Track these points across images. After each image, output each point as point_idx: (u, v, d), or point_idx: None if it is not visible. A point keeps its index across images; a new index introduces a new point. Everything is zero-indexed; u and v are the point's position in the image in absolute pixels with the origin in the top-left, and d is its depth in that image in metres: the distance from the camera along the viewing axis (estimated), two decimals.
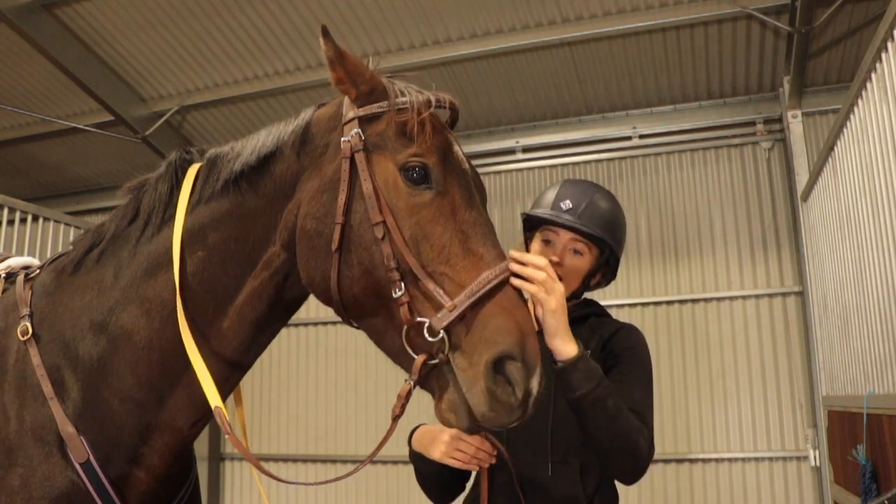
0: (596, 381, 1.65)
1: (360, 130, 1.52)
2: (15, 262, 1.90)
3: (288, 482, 1.61)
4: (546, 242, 2.03)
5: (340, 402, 6.99)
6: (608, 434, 1.68)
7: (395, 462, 6.54)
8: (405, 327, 1.41)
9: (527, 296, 1.55)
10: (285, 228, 1.57)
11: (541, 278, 1.57)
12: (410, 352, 1.42)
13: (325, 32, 1.50)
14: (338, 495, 6.88)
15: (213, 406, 1.51)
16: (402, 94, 1.54)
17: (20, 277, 1.76)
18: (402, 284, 1.41)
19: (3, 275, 1.87)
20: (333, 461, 6.89)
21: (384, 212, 1.45)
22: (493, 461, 1.81)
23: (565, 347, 1.63)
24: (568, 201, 2.03)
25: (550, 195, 2.09)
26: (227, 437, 1.54)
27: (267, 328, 1.66)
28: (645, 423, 1.79)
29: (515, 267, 1.50)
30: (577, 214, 2.00)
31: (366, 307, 1.49)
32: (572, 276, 2.01)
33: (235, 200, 1.61)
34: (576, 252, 2.02)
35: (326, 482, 1.63)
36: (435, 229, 1.45)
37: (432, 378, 1.43)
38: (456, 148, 1.57)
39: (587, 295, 2.16)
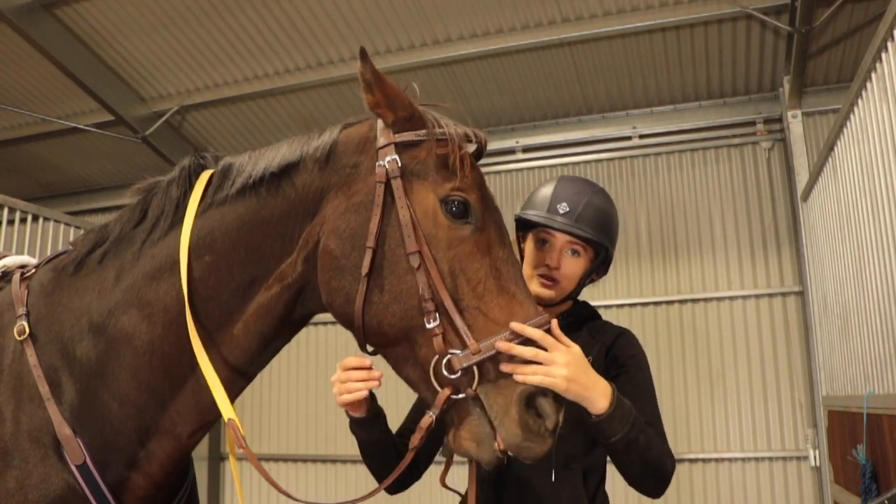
0: (629, 423, 1.61)
1: (397, 157, 1.51)
2: (11, 260, 1.88)
3: (298, 500, 1.58)
4: (541, 243, 2.02)
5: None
6: (640, 466, 1.69)
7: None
8: (435, 358, 1.42)
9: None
10: (307, 244, 1.55)
11: (543, 358, 1.44)
12: (436, 384, 1.43)
13: (364, 55, 1.49)
14: (337, 495, 6.87)
15: (226, 419, 1.51)
16: (440, 125, 1.55)
17: (16, 276, 1.73)
18: (437, 315, 1.42)
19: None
20: (333, 461, 6.89)
21: (420, 241, 1.45)
22: (378, 384, 1.69)
23: (598, 403, 1.55)
24: (565, 204, 1.99)
25: (545, 195, 2.05)
26: (241, 450, 1.53)
27: (273, 343, 1.65)
28: (663, 438, 1.81)
29: (516, 351, 1.43)
30: (574, 217, 1.98)
31: (389, 334, 1.49)
32: (569, 278, 2.00)
33: (252, 206, 1.58)
34: (573, 253, 2.01)
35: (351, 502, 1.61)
36: (472, 264, 1.47)
37: (452, 410, 1.45)
38: (486, 184, 1.60)
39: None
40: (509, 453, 1.43)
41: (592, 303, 2.22)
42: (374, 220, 1.48)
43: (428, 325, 1.42)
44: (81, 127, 6.87)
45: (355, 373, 1.67)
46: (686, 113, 6.32)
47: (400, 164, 1.51)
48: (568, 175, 2.21)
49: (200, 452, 7.06)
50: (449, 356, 1.40)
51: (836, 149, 4.20)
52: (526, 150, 6.75)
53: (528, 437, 1.38)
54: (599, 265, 2.07)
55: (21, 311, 1.63)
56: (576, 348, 1.52)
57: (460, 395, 1.41)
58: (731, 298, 6.03)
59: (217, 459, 7.40)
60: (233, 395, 1.62)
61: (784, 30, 5.23)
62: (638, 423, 1.64)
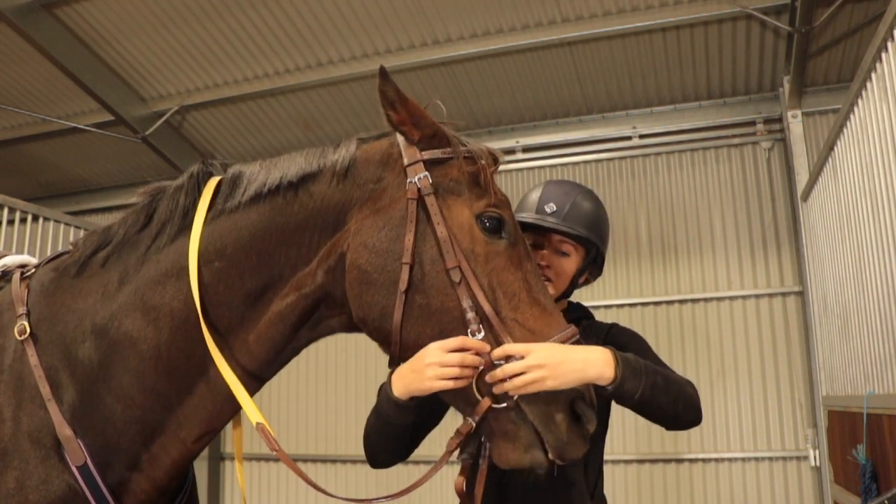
0: (643, 373, 1.61)
1: (427, 174, 1.55)
2: (10, 260, 1.87)
3: (325, 492, 1.62)
4: (533, 246, 2.04)
5: (341, 402, 6.98)
6: (671, 405, 1.70)
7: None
8: (479, 369, 1.45)
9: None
10: (329, 256, 1.57)
11: (520, 367, 1.42)
12: (476, 394, 1.47)
13: (385, 73, 1.53)
14: (337, 494, 6.86)
15: (254, 423, 1.52)
16: (463, 143, 1.62)
17: (16, 275, 1.73)
18: (482, 327, 1.47)
19: None
20: (333, 461, 6.89)
21: (460, 257, 1.49)
22: (481, 366, 1.49)
23: (604, 374, 1.53)
24: (552, 203, 2.03)
25: (533, 198, 2.09)
26: (274, 452, 1.54)
27: (283, 350, 1.64)
28: (672, 372, 1.83)
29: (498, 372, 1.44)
30: (561, 216, 2.01)
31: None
32: (561, 277, 2.04)
33: (265, 214, 1.59)
34: (563, 254, 2.04)
35: (364, 501, 1.63)
36: (507, 277, 1.53)
37: (492, 423, 1.49)
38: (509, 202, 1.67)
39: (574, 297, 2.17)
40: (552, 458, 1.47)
41: (593, 303, 2.24)
42: (409, 235, 1.51)
43: (474, 337, 1.47)
44: (81, 127, 6.87)
45: (470, 357, 1.45)
46: (686, 113, 6.32)
47: (431, 181, 1.55)
48: (555, 179, 2.24)
49: (201, 452, 7.05)
50: (495, 365, 1.45)
51: (836, 149, 4.20)
52: (526, 150, 6.75)
53: (571, 439, 1.46)
54: (591, 264, 2.10)
55: (21, 310, 1.62)
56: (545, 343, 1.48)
57: (502, 405, 1.46)
58: (731, 298, 6.03)
59: (217, 459, 7.39)
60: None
61: (784, 30, 5.23)
62: (648, 368, 1.65)
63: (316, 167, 1.61)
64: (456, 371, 1.44)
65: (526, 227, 2.03)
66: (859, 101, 3.59)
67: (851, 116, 3.77)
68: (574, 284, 2.09)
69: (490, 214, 1.56)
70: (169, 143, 6.98)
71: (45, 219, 5.94)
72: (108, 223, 1.74)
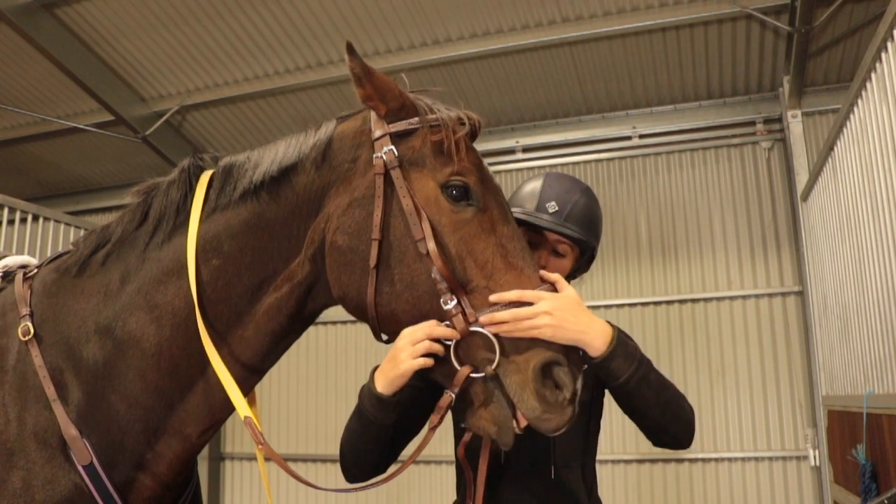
0: (636, 360, 1.60)
1: (393, 147, 1.53)
2: (12, 260, 1.88)
3: (314, 486, 1.61)
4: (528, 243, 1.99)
5: (341, 402, 6.99)
6: (658, 408, 1.67)
7: (394, 462, 6.52)
8: (456, 338, 1.44)
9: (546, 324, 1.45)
10: (312, 242, 1.57)
11: (525, 313, 1.43)
12: (455, 364, 1.45)
13: (351, 49, 1.51)
14: (337, 493, 6.88)
15: (242, 416, 1.52)
16: (432, 111, 1.58)
17: (18, 276, 1.73)
18: (453, 296, 1.44)
19: (0, 273, 1.85)
20: (334, 461, 6.89)
21: (426, 228, 1.47)
22: (454, 337, 1.47)
23: (595, 343, 1.52)
24: (553, 203, 1.98)
25: (532, 192, 2.03)
26: (260, 446, 1.55)
27: (284, 340, 1.66)
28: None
29: (508, 318, 1.42)
30: (563, 217, 1.96)
31: (403, 321, 1.51)
32: None
33: (254, 210, 1.60)
34: (559, 254, 1.99)
35: (354, 489, 1.66)
36: (478, 245, 1.50)
37: (470, 390, 1.47)
38: (485, 165, 1.62)
39: None
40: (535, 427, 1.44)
41: (593, 303, 2.23)
42: (378, 212, 1.50)
43: (446, 307, 1.44)
44: (81, 127, 6.87)
45: (438, 329, 1.45)
46: (686, 113, 6.32)
47: (397, 154, 1.53)
48: (553, 172, 2.18)
49: (201, 452, 7.05)
50: (471, 332, 1.43)
51: (835, 149, 4.20)
52: (526, 150, 6.76)
53: (547, 409, 1.40)
54: (584, 263, 2.07)
55: (25, 311, 1.63)
56: (568, 292, 1.51)
57: (479, 374, 1.44)
58: (731, 298, 6.03)
59: (217, 459, 7.40)
60: (245, 391, 1.63)
61: (784, 30, 5.23)
62: (646, 360, 1.63)
63: (295, 157, 1.60)
64: (426, 345, 1.45)
65: (522, 224, 1.99)
66: (859, 101, 3.59)
67: (851, 116, 3.77)
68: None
69: (454, 183, 1.53)
70: (169, 143, 6.98)
71: (45, 219, 5.94)
72: (106, 222, 1.75)
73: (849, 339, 4.18)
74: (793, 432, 5.72)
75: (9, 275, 1.82)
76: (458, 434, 1.81)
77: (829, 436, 4.91)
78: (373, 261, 1.48)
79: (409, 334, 1.47)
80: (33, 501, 1.50)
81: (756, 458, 5.77)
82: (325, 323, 7.16)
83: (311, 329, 6.46)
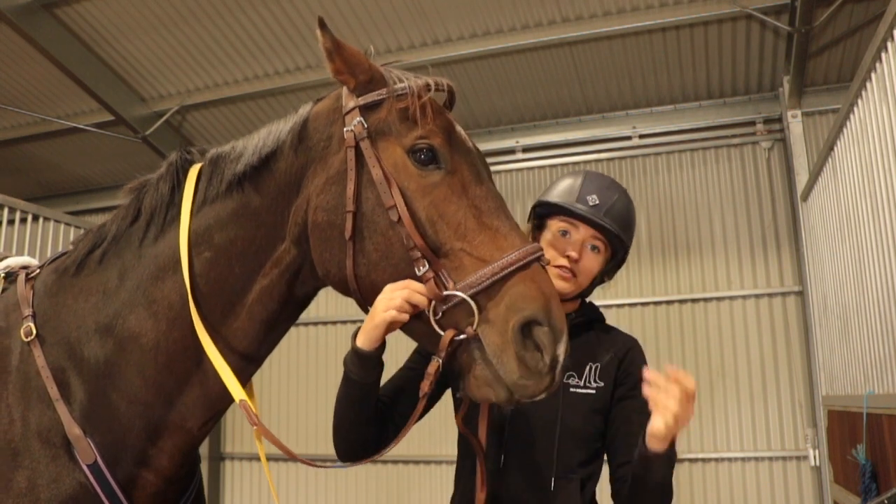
0: (672, 469, 1.65)
1: (362, 119, 1.53)
2: (14, 261, 1.89)
3: (312, 464, 1.61)
4: (563, 233, 1.96)
5: None
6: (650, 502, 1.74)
7: (395, 462, 6.54)
8: (431, 304, 1.42)
9: None
10: (295, 224, 1.58)
11: (680, 396, 1.52)
12: (437, 328, 1.43)
13: (322, 24, 1.50)
14: (337, 495, 6.88)
15: (237, 399, 1.52)
16: (401, 80, 1.56)
17: (21, 277, 1.74)
18: (426, 262, 1.43)
19: (3, 274, 1.86)
20: (333, 461, 6.89)
21: (396, 195, 1.46)
22: (425, 302, 1.47)
23: (664, 444, 1.58)
24: (595, 196, 1.94)
25: (573, 186, 1.99)
26: (254, 428, 1.54)
27: (278, 326, 1.66)
28: None
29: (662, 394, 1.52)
30: (604, 211, 1.93)
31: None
32: (587, 273, 1.97)
33: (240, 201, 1.61)
34: (594, 248, 1.96)
35: (351, 464, 1.69)
36: (449, 207, 1.48)
37: (459, 356, 1.44)
38: (458, 128, 1.59)
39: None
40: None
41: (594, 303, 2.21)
42: (350, 185, 1.50)
43: (418, 273, 1.43)
44: (81, 127, 6.87)
45: (413, 284, 1.44)
46: (686, 113, 6.33)
47: (366, 126, 1.52)
48: (593, 171, 2.16)
49: (201, 452, 7.06)
50: (445, 296, 1.41)
51: (835, 149, 4.20)
52: (526, 150, 6.76)
53: (524, 374, 1.36)
54: (614, 267, 2.05)
55: (27, 312, 1.64)
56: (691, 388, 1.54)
57: (462, 336, 1.41)
58: (731, 298, 6.04)
59: (217, 459, 7.40)
60: (243, 381, 1.63)
61: (784, 30, 5.23)
62: (672, 468, 1.66)
63: (274, 143, 1.61)
64: (403, 294, 1.43)
65: (556, 214, 1.97)
66: (859, 101, 3.59)
67: (851, 116, 3.77)
68: (595, 284, 2.03)
69: (419, 146, 1.50)
70: (169, 143, 6.98)
71: (45, 219, 5.94)
72: (102, 221, 1.77)
73: (849, 339, 4.18)
74: (793, 432, 5.73)
75: (11, 275, 1.83)
76: (457, 405, 1.80)
77: (829, 436, 4.91)
78: (348, 233, 1.48)
79: (389, 289, 1.46)
80: (38, 500, 1.51)
81: (756, 458, 5.77)
82: (324, 323, 7.16)
83: (311, 329, 6.49)
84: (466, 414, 1.74)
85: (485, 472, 1.75)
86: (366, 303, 1.56)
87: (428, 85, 1.57)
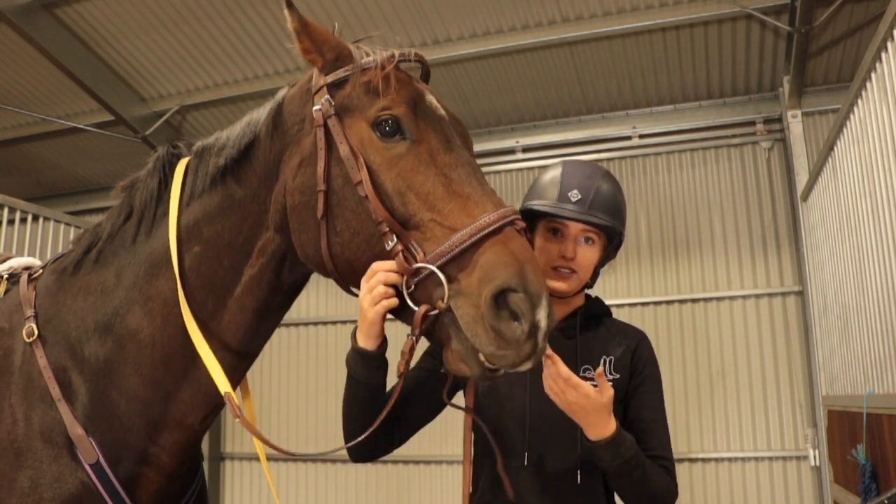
0: (622, 460, 1.68)
1: (329, 97, 1.51)
2: (17, 262, 1.90)
3: (295, 455, 1.62)
4: (553, 233, 1.95)
5: (339, 402, 6.98)
6: (633, 497, 1.78)
7: (395, 462, 6.54)
8: (404, 279, 1.39)
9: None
10: (276, 211, 1.57)
11: (570, 399, 1.62)
12: (411, 304, 1.39)
13: (290, 4, 1.49)
14: (337, 495, 6.88)
15: (222, 392, 1.52)
16: (368, 55, 1.54)
17: (24, 278, 1.76)
18: (394, 236, 1.39)
19: (6, 275, 1.86)
20: (333, 461, 6.89)
21: (363, 170, 1.44)
22: (400, 279, 1.43)
23: (591, 431, 1.68)
24: (576, 191, 1.91)
25: (552, 182, 1.97)
26: (237, 420, 1.53)
27: (269, 316, 1.66)
28: (669, 469, 1.83)
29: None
30: (587, 205, 1.90)
31: (359, 269, 1.47)
32: (585, 267, 1.96)
33: (225, 193, 1.62)
34: (588, 240, 1.95)
35: (334, 450, 1.73)
36: (416, 178, 1.43)
37: (437, 331, 1.40)
38: (429, 97, 1.55)
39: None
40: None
41: None
42: (321, 164, 1.48)
43: (388, 247, 1.39)
44: (81, 127, 6.87)
45: (382, 272, 1.42)
46: (686, 113, 6.33)
47: (332, 104, 1.50)
48: (570, 159, 2.10)
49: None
50: (415, 268, 1.37)
51: (835, 149, 4.20)
52: (526, 150, 6.76)
53: (501, 345, 1.28)
54: (612, 250, 2.04)
55: (29, 312, 1.65)
56: (601, 397, 1.63)
57: (434, 312, 1.36)
58: (731, 298, 6.04)
59: (217, 459, 7.40)
60: (238, 375, 1.64)
61: (784, 30, 5.23)
62: (635, 463, 1.69)
63: (252, 133, 1.61)
64: (382, 289, 1.41)
65: (544, 215, 1.95)
66: (859, 101, 3.59)
67: (851, 116, 3.77)
68: (597, 274, 2.03)
69: (382, 118, 1.46)
70: None
71: (45, 219, 5.94)
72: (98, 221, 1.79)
73: (849, 339, 4.18)
74: (793, 432, 5.73)
75: (14, 276, 1.83)
76: (443, 380, 1.80)
77: (829, 436, 4.91)
78: (320, 212, 1.46)
79: (364, 283, 1.44)
80: (41, 500, 1.51)
81: (756, 458, 5.77)
82: (324, 323, 7.16)
83: (310, 329, 6.50)
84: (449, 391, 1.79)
85: (470, 451, 1.84)
86: (344, 282, 1.54)
87: (392, 56, 1.52)
